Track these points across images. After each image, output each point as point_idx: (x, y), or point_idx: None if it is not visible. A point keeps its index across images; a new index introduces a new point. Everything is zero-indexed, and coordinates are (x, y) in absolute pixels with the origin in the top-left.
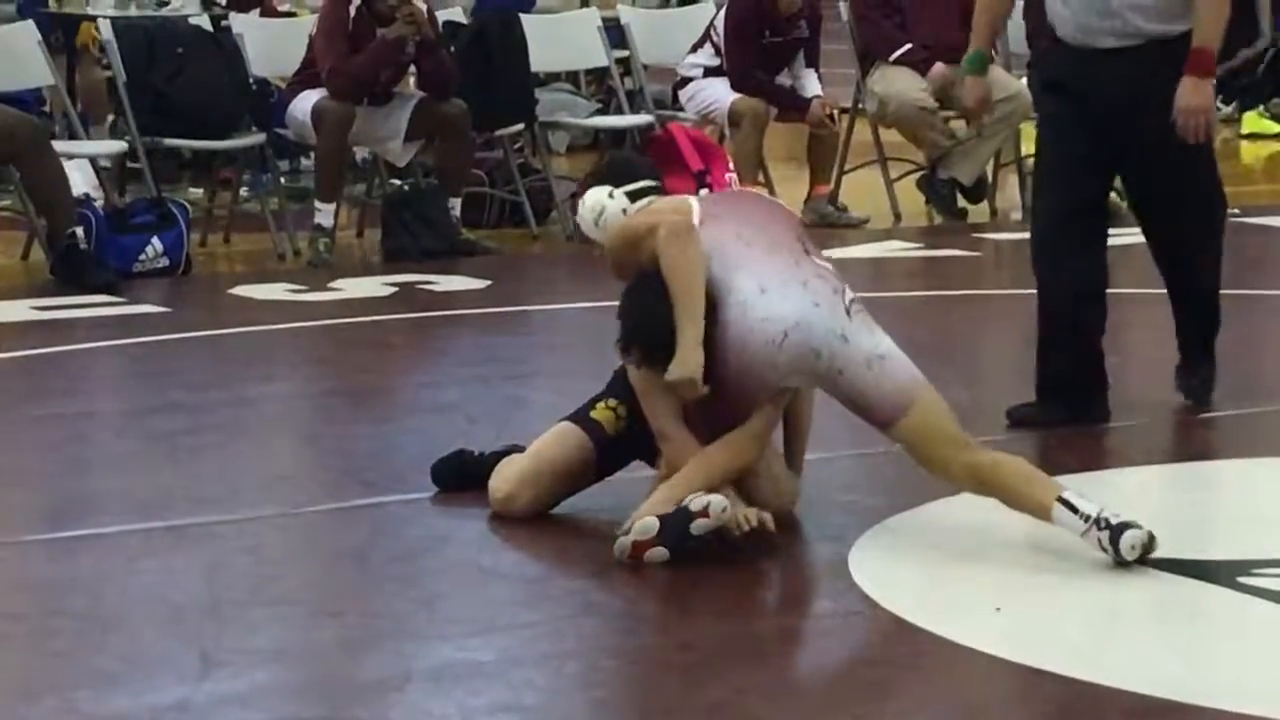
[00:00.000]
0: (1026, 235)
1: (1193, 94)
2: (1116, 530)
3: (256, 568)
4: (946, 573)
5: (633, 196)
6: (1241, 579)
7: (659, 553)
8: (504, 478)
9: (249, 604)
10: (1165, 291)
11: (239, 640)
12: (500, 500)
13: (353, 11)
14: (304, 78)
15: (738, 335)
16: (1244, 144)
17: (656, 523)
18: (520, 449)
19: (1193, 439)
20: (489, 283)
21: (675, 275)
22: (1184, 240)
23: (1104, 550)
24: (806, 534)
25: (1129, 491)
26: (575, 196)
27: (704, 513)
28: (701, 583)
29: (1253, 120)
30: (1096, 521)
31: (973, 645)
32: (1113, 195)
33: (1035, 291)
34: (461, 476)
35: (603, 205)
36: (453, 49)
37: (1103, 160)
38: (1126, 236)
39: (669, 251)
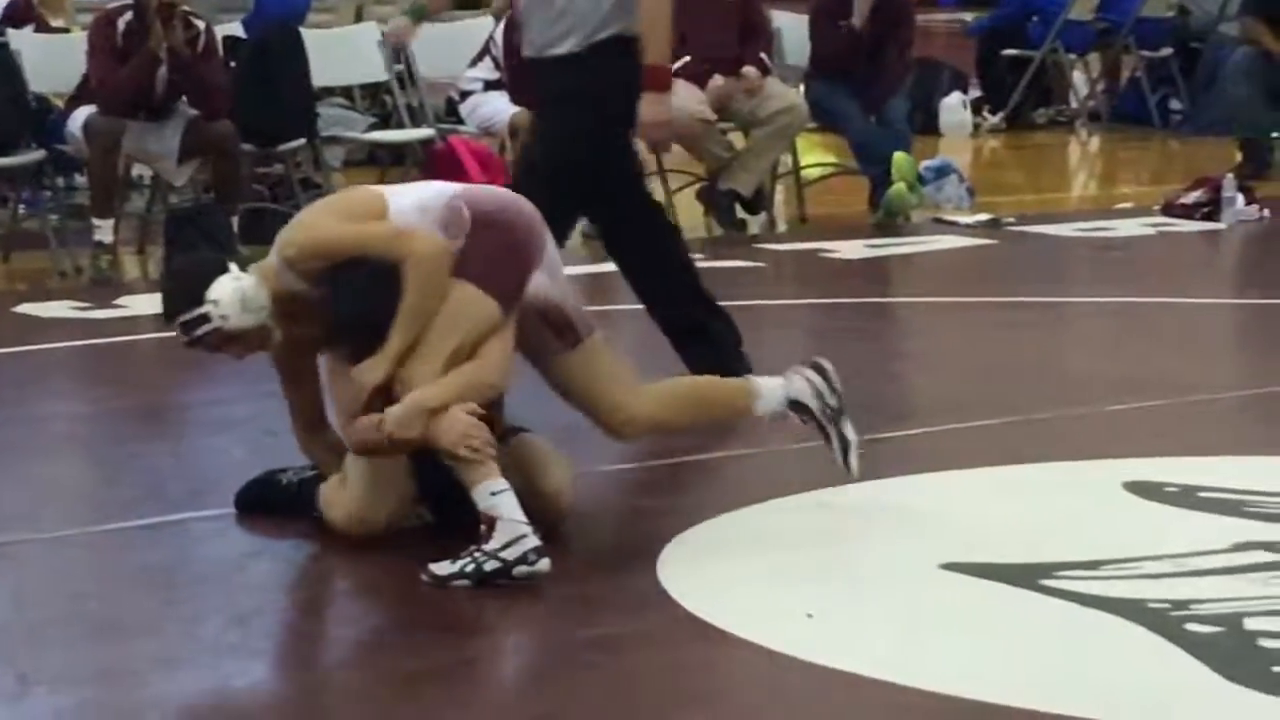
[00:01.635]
0: (805, 245)
1: (647, 109)
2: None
3: (65, 587)
4: (756, 579)
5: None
6: (1044, 581)
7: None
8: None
9: (63, 623)
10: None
11: (56, 660)
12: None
13: (122, 26)
14: (81, 94)
15: None
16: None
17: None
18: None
19: (987, 445)
20: None
21: (422, 293)
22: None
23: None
24: (612, 542)
25: (930, 497)
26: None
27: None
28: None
29: None
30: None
31: (787, 652)
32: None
33: (821, 301)
34: (268, 504)
35: (234, 288)
36: (233, 64)
37: None
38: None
39: (430, 272)
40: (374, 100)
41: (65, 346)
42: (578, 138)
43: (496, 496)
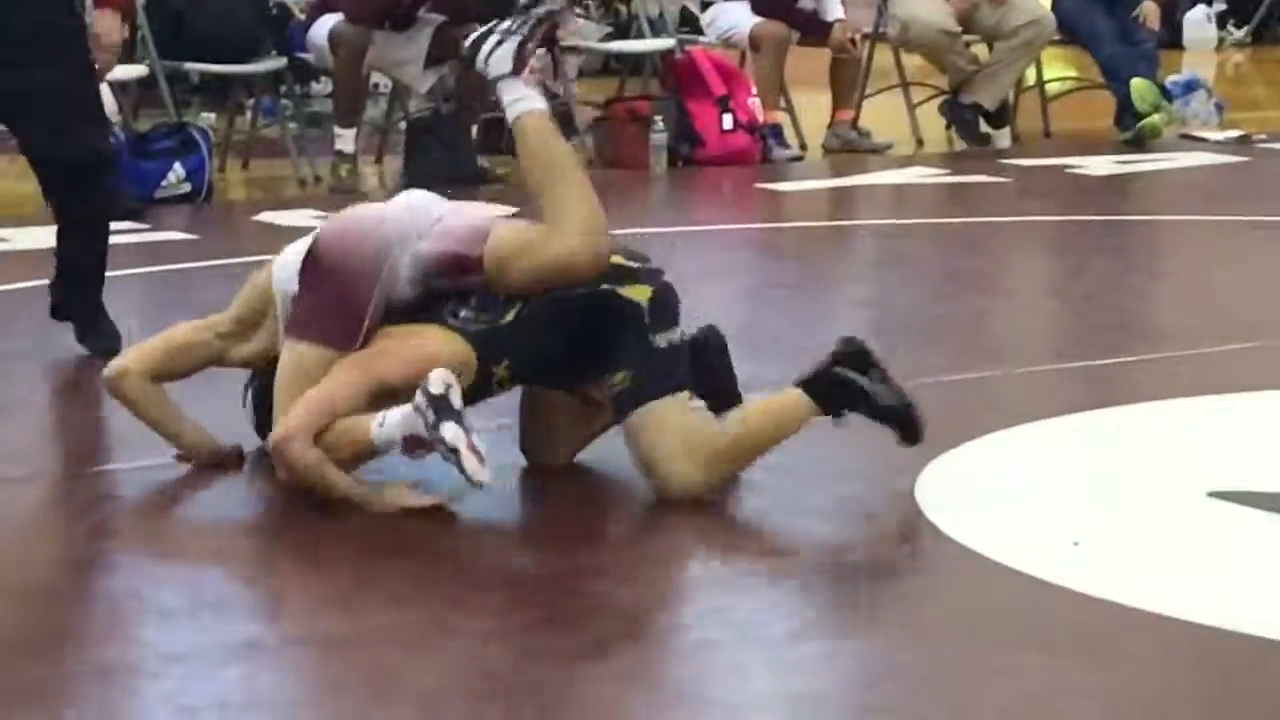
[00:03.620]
0: (1050, 161)
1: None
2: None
3: None
4: (1019, 505)
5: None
6: None
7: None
8: None
9: None
10: None
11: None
12: None
13: None
14: (324, 2)
15: None
16: None
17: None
18: None
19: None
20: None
21: None
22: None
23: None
24: (870, 466)
25: (1193, 422)
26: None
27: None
28: (773, 523)
29: None
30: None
31: (1055, 581)
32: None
33: (1068, 217)
34: None
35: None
36: None
37: None
38: None
39: None
40: (608, 8)
41: None
42: None
43: (381, 429)
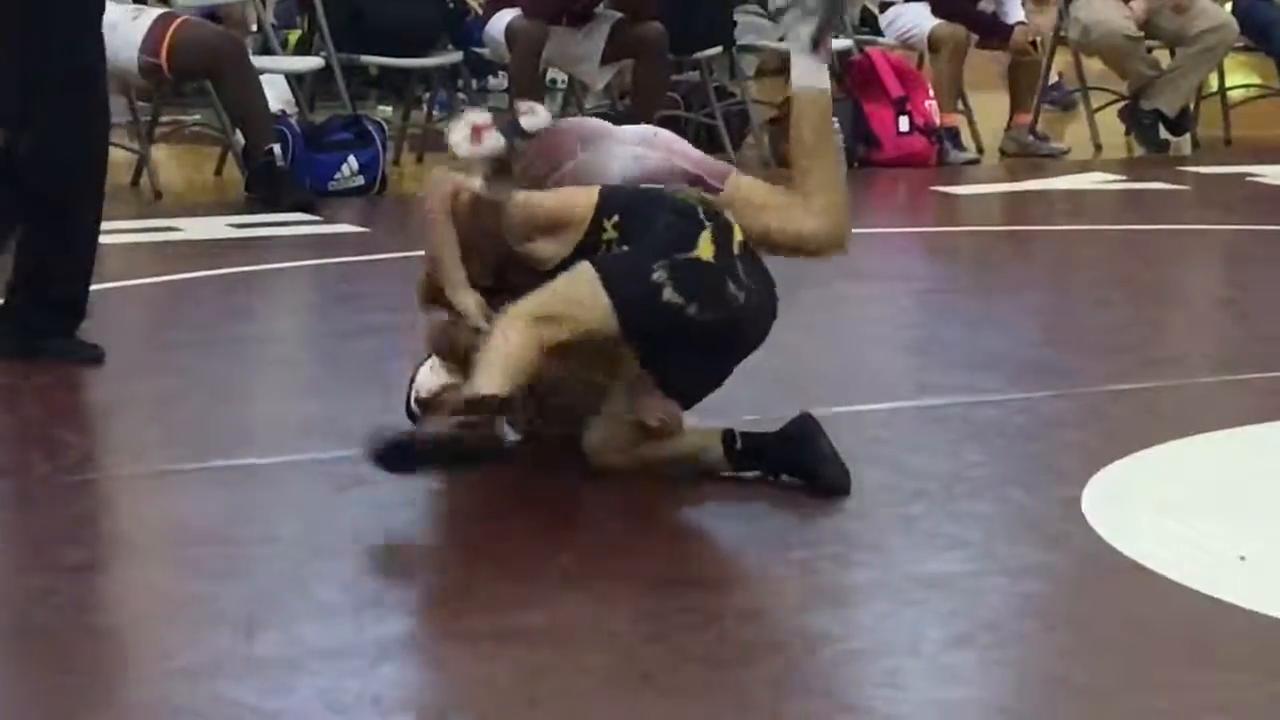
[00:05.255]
0: (1231, 169)
1: None
2: None
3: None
4: (1182, 517)
5: None
6: None
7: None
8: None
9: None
10: None
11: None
12: None
13: None
14: None
15: None
16: None
17: None
18: None
19: None
20: None
21: None
22: None
23: None
24: (1033, 475)
25: None
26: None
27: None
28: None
29: None
30: None
31: (1220, 596)
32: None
33: (1248, 227)
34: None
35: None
36: None
37: None
38: None
39: None
40: None
41: None
42: None
43: None
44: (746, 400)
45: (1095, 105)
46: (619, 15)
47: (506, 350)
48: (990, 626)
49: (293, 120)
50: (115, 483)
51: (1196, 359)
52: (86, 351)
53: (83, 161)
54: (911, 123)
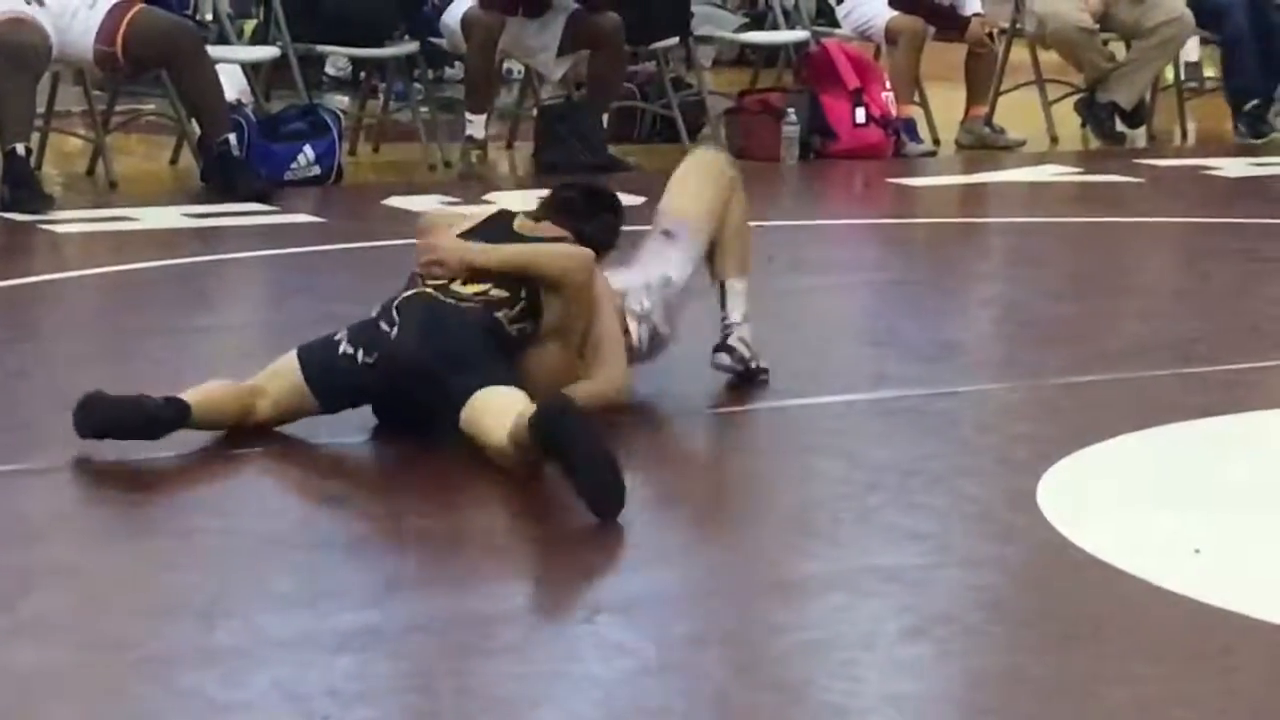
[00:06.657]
0: (1185, 161)
1: None
2: None
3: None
4: (1137, 509)
5: None
6: None
7: None
8: None
9: None
10: None
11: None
12: None
13: None
14: None
15: None
16: None
17: None
18: None
19: None
20: (643, 199)
21: None
22: None
23: None
24: (989, 467)
25: None
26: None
27: None
28: (893, 516)
29: None
30: None
31: (1175, 589)
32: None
33: (1204, 220)
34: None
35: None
36: None
37: None
38: None
39: None
40: None
41: None
42: None
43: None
44: (702, 394)
45: (1051, 98)
46: (575, 6)
47: None
48: (945, 619)
49: (248, 110)
50: (67, 473)
51: (1152, 351)
52: None
53: None
54: (868, 114)
